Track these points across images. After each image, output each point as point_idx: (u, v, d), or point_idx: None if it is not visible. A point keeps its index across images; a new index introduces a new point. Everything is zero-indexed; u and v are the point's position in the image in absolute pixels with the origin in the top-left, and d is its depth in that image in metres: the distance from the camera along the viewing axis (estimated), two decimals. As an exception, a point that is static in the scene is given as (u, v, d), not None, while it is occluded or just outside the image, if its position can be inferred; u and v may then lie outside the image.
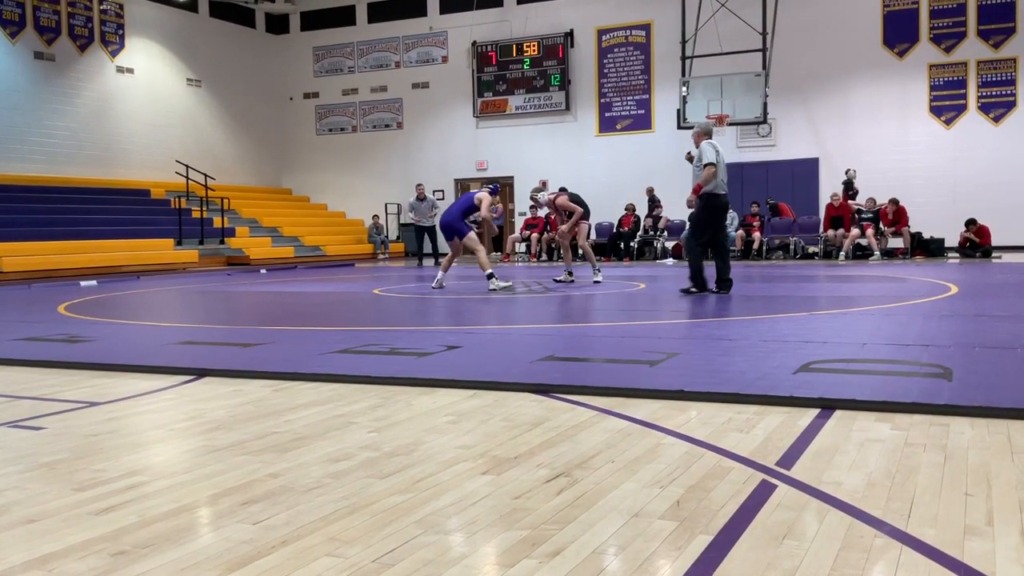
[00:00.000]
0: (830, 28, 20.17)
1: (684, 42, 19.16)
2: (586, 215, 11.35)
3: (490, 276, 10.25)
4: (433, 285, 10.72)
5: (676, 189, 21.22)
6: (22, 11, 19.18)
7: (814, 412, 3.53)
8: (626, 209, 20.24)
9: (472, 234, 10.37)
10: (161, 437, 3.49)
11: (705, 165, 8.80)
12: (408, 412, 3.76)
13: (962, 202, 18.72)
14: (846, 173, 18.71)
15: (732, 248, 18.35)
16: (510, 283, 10.60)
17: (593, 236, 20.62)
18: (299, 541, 2.22)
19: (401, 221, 24.30)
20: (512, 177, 22.95)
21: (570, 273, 11.48)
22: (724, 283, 8.87)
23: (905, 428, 3.24)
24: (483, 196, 10.48)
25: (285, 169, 26.43)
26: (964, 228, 17.09)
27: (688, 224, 9.78)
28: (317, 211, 25.55)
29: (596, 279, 11.26)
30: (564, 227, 11.39)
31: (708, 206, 8.86)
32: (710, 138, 9.16)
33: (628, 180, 21.74)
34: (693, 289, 8.89)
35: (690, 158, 9.43)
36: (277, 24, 26.09)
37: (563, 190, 11.50)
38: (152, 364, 5.14)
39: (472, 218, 10.61)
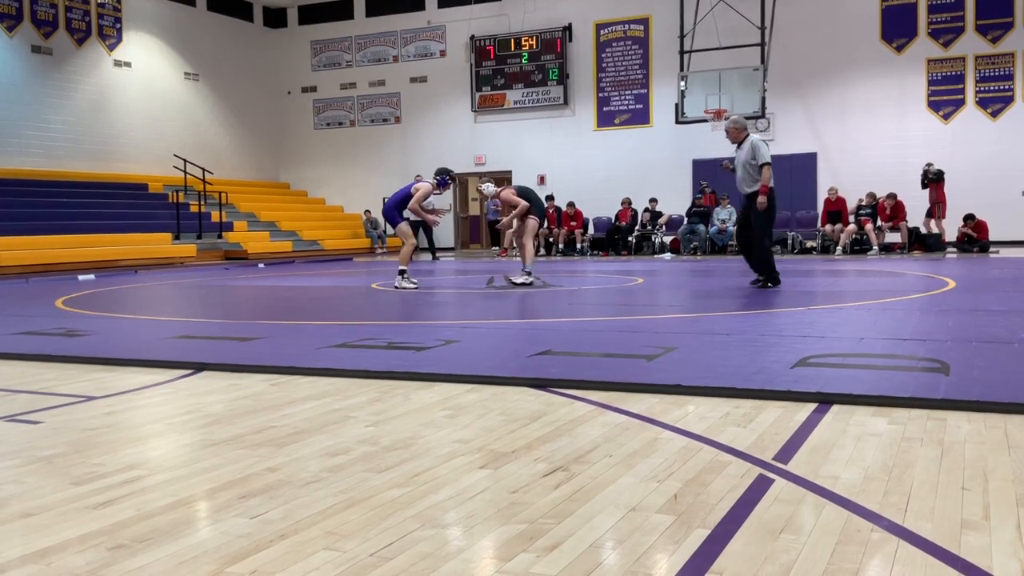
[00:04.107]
0: (828, 23, 20.15)
1: (682, 36, 19.14)
2: (539, 212, 10.36)
3: (402, 272, 10.11)
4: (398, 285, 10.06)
5: (674, 184, 21.24)
6: (19, 4, 19.13)
7: (811, 406, 3.53)
8: (623, 203, 20.24)
9: (403, 226, 10.09)
10: (159, 431, 3.49)
11: (763, 165, 8.74)
12: (406, 406, 3.76)
13: (960, 197, 18.70)
14: (928, 168, 17.81)
15: (730, 243, 18.40)
16: (417, 284, 10.26)
17: (591, 231, 20.68)
18: (297, 535, 2.22)
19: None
20: (511, 171, 22.93)
21: (528, 273, 10.17)
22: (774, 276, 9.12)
23: (902, 422, 3.25)
24: (420, 186, 10.07)
25: (283, 163, 26.40)
26: (962, 223, 17.10)
27: (738, 223, 9.55)
28: (315, 205, 25.53)
29: (518, 280, 9.98)
30: (505, 220, 10.87)
31: (771, 201, 8.86)
32: (747, 132, 9.06)
33: (626, 175, 21.74)
34: (769, 284, 8.97)
35: (730, 167, 9.20)
36: (275, 18, 26.04)
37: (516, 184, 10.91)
38: (150, 358, 5.14)
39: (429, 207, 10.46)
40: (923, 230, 17.59)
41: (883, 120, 19.90)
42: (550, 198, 20.45)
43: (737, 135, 9.04)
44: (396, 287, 9.99)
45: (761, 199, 8.79)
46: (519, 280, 9.96)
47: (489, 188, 10.71)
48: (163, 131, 22.35)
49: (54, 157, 19.72)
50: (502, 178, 22.05)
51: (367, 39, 25.03)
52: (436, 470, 2.78)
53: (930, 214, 17.51)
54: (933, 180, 17.53)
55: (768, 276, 9.03)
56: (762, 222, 9.02)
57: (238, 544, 2.16)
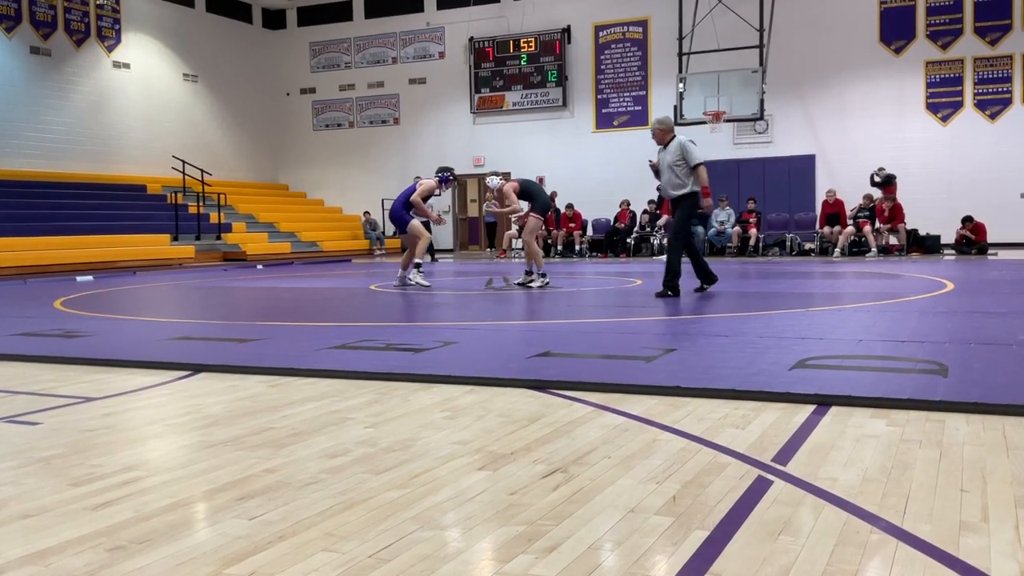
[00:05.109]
0: (827, 25, 20.18)
1: (681, 38, 19.16)
2: (540, 209, 10.07)
3: (417, 265, 10.07)
4: (395, 283, 10.52)
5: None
6: (18, 5, 19.13)
7: (810, 408, 3.53)
8: (621, 205, 20.25)
9: (415, 222, 10.12)
10: (157, 432, 3.48)
11: (696, 166, 8.34)
12: (404, 408, 3.76)
13: (958, 199, 18.75)
14: (878, 173, 18.19)
15: (728, 244, 18.43)
16: (430, 284, 10.15)
17: (590, 232, 20.68)
18: (295, 536, 2.22)
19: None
20: (509, 173, 22.93)
21: (528, 273, 10.12)
22: (711, 274, 8.79)
23: (901, 424, 3.25)
24: (424, 182, 10.18)
25: (282, 165, 26.40)
26: (960, 225, 17.12)
27: (672, 225, 8.79)
28: (314, 207, 25.53)
29: (529, 281, 9.93)
30: (496, 209, 10.68)
31: (695, 204, 8.49)
32: (673, 133, 8.59)
33: (624, 176, 21.75)
34: (669, 293, 8.41)
35: (655, 167, 8.73)
36: (274, 19, 26.05)
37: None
38: (148, 360, 5.13)
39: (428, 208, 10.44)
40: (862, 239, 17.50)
41: (881, 122, 19.92)
42: (553, 195, 20.49)
43: (663, 136, 8.59)
44: (410, 279, 9.90)
45: (707, 201, 8.45)
46: (537, 284, 9.84)
47: (494, 181, 10.55)
48: (162, 132, 22.35)
49: (53, 158, 19.72)
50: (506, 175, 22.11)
51: (366, 40, 25.04)
52: (435, 471, 2.78)
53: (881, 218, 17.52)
54: (880, 184, 17.70)
55: (669, 282, 8.42)
56: (683, 224, 8.57)
57: (237, 545, 2.16)
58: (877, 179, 17.89)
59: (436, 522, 2.31)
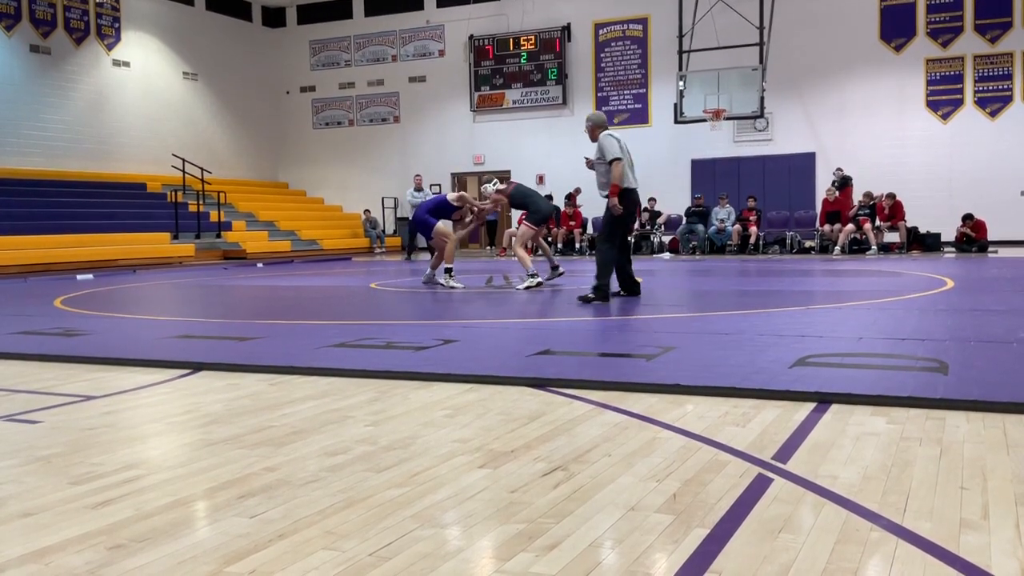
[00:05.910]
0: (827, 22, 20.17)
1: (681, 36, 19.14)
2: (535, 219, 9.75)
3: (448, 271, 9.87)
4: (423, 280, 10.56)
5: (673, 184, 21.24)
6: (18, 4, 19.12)
7: (810, 406, 3.53)
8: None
9: (439, 225, 10.05)
10: (158, 431, 3.48)
11: (611, 161, 7.85)
12: (405, 406, 3.76)
13: (958, 197, 18.74)
14: (835, 173, 18.56)
15: (728, 242, 18.42)
16: (464, 285, 9.93)
17: (590, 230, 20.65)
18: (296, 534, 2.22)
19: (398, 215, 24.30)
20: (509, 171, 22.93)
21: (533, 275, 9.58)
22: (634, 284, 8.27)
23: (901, 422, 3.25)
24: (463, 193, 10.41)
25: (282, 163, 26.39)
26: (960, 223, 17.11)
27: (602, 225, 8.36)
28: (314, 205, 25.52)
29: (522, 286, 9.53)
30: (485, 205, 10.50)
31: (621, 203, 7.91)
32: (605, 130, 8.20)
33: (625, 174, 21.72)
34: (592, 296, 7.77)
35: (590, 164, 8.40)
36: (273, 17, 26.03)
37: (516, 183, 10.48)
38: (149, 358, 5.13)
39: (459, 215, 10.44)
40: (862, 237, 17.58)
41: (882, 120, 19.92)
42: (577, 191, 20.25)
43: (593, 133, 8.21)
44: (444, 284, 9.81)
45: (612, 200, 7.82)
46: (524, 285, 9.56)
47: (487, 188, 10.50)
48: (161, 131, 22.34)
49: (52, 157, 19.71)
50: (503, 177, 22.08)
51: (366, 39, 25.02)
52: (435, 470, 2.78)
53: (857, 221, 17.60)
54: (839, 186, 17.86)
55: (597, 285, 7.78)
56: (608, 223, 8.03)
57: (237, 544, 2.16)
58: (835, 180, 18.05)
59: (436, 520, 2.31)
